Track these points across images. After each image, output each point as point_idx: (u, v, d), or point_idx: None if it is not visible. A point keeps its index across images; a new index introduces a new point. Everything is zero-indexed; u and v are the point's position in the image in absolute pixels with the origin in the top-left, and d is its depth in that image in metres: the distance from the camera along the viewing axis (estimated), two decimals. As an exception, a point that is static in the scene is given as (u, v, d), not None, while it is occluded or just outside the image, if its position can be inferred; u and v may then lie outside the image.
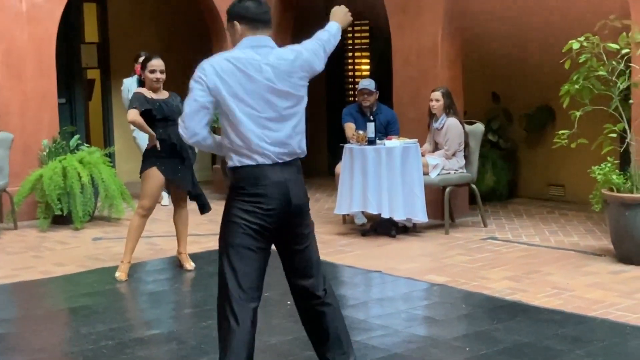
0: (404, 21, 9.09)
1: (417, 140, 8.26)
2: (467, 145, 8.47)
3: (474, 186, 8.57)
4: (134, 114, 6.59)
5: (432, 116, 8.52)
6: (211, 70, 3.87)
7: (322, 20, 13.07)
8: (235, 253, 4.01)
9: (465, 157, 8.48)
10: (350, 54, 12.42)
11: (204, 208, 7.08)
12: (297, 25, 11.02)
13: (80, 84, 11.73)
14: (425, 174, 8.24)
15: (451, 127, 8.33)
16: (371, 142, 8.10)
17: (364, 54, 12.24)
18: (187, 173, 6.89)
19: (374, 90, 8.79)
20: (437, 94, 8.37)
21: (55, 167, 8.86)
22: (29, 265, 7.39)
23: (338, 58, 12.36)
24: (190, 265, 7.11)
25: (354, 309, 6.05)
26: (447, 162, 8.37)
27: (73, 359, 5.08)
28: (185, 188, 6.93)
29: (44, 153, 9.26)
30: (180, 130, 3.96)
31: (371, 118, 8.23)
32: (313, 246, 4.20)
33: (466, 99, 9.49)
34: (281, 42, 10.41)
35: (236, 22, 4.02)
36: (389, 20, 9.27)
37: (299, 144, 4.01)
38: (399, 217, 8.04)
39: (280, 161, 3.93)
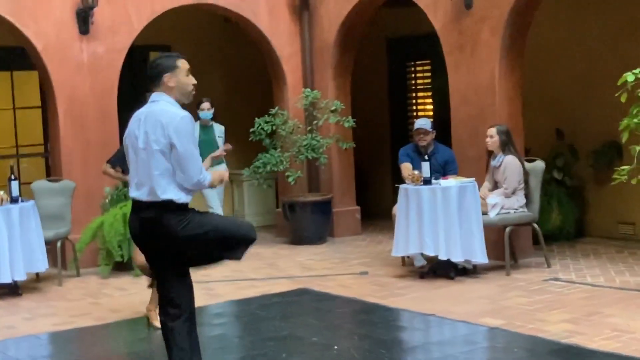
0: (460, 59, 8.96)
1: (474, 179, 8.08)
2: (527, 183, 8.24)
3: (536, 226, 8.32)
4: (103, 167, 7.35)
5: (490, 154, 8.34)
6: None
7: (380, 61, 12.91)
8: None
9: (526, 195, 8.25)
10: (413, 94, 12.32)
11: None
12: (356, 67, 11.00)
13: (146, 131, 11.88)
14: (484, 213, 8.05)
15: (509, 165, 8.13)
16: (426, 182, 7.96)
17: (427, 93, 12.12)
18: None
19: (430, 130, 8.65)
20: (491, 131, 8.20)
21: (116, 213, 8.93)
22: (86, 311, 7.45)
23: (400, 98, 12.31)
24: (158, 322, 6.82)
25: (404, 352, 5.90)
26: (507, 201, 8.15)
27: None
28: None
29: (107, 200, 9.38)
30: None
31: (426, 158, 8.10)
32: None
33: (529, 136, 9.27)
34: (341, 84, 10.62)
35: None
36: (445, 58, 9.16)
37: (151, 191, 4.56)
38: (456, 258, 7.85)
39: (139, 202, 4.63)
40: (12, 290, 8.22)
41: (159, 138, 4.49)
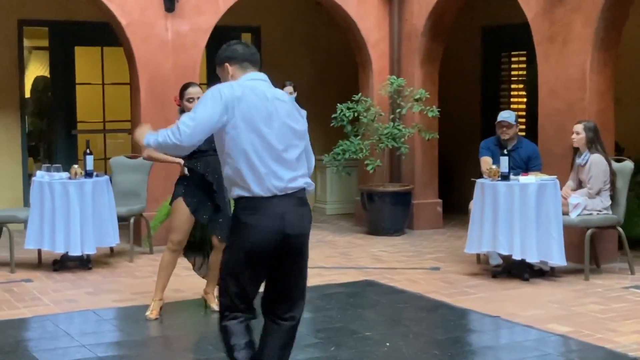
0: (550, 50, 8.54)
1: (555, 177, 7.68)
2: (613, 184, 7.78)
3: (620, 229, 7.85)
4: (146, 152, 6.38)
5: (575, 152, 7.92)
6: (229, 92, 4.00)
7: (474, 50, 12.42)
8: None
9: (612, 197, 7.79)
10: (506, 86, 11.88)
11: None
12: (448, 56, 10.67)
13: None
14: (565, 213, 7.64)
15: (595, 163, 7.69)
16: (504, 177, 7.60)
17: (521, 85, 11.67)
18: (220, 215, 6.35)
19: (514, 123, 8.26)
20: (578, 127, 7.77)
21: (191, 193, 8.89)
22: (149, 289, 7.32)
23: (493, 89, 11.90)
24: (216, 305, 6.51)
25: (457, 354, 5.60)
26: (590, 202, 7.72)
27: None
28: (216, 233, 6.37)
29: (184, 179, 9.32)
30: (174, 136, 3.94)
31: (505, 152, 7.73)
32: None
33: (622, 135, 8.79)
34: (428, 72, 10.30)
35: (227, 64, 4.19)
36: (535, 49, 8.75)
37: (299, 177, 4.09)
38: (531, 259, 7.48)
39: (280, 193, 4.02)
40: (82, 263, 8.28)
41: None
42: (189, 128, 3.92)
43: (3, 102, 10.42)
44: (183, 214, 6.32)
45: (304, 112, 4.24)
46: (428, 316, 6.56)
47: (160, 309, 6.50)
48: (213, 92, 4.00)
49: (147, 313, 6.46)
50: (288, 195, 4.02)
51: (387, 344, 5.74)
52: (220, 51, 4.24)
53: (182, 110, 6.41)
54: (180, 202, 6.32)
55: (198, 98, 6.23)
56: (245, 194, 4.00)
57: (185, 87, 6.45)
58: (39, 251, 8.40)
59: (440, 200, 10.71)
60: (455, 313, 6.59)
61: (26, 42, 10.98)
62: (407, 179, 10.49)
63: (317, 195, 11.98)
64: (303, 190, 4.10)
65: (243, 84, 4.06)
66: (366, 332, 6.04)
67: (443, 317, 6.50)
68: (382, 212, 10.06)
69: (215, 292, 6.72)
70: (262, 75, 4.20)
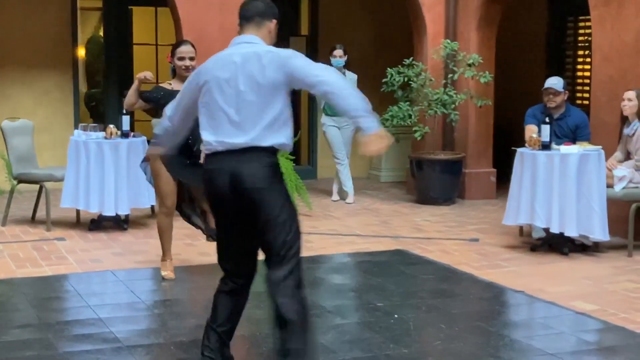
0: (605, 14, 8.07)
1: (600, 147, 7.27)
2: (663, 156, 7.34)
3: (669, 204, 7.41)
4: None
5: (624, 121, 7.48)
6: (196, 71, 4.24)
7: (540, 15, 11.82)
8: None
9: (661, 170, 7.36)
10: (570, 52, 11.37)
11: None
12: (503, 18, 10.23)
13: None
14: (610, 186, 7.24)
15: (643, 134, 7.26)
16: (545, 146, 7.24)
17: (587, 52, 11.13)
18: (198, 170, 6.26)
19: (561, 90, 7.84)
20: (630, 94, 7.33)
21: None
22: (175, 252, 7.28)
23: (559, 55, 11.42)
24: None
25: (463, 329, 5.38)
26: (636, 175, 7.30)
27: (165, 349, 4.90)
28: (195, 183, 6.12)
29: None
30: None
31: (546, 120, 7.35)
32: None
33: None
34: (485, 36, 9.88)
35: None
36: (590, 13, 8.29)
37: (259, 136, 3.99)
38: (570, 232, 7.12)
39: (234, 149, 3.99)
40: (118, 223, 8.28)
41: None
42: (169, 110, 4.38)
43: (56, 62, 10.52)
44: (164, 176, 6.18)
45: (288, 57, 3.98)
46: (449, 289, 6.29)
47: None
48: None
49: (164, 274, 6.41)
50: (238, 151, 4.00)
51: (396, 315, 5.53)
52: None
53: (174, 69, 6.31)
54: (160, 165, 6.11)
55: (190, 58, 6.18)
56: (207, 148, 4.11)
57: (177, 44, 6.37)
58: (77, 211, 8.45)
59: (494, 170, 10.34)
60: (477, 287, 6.33)
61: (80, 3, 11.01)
62: (460, 147, 10.16)
63: (372, 162, 11.75)
64: (255, 147, 3.99)
65: (214, 58, 4.14)
66: (378, 302, 5.83)
67: (464, 291, 6.26)
68: (431, 181, 9.78)
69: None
70: (245, 38, 4.09)
